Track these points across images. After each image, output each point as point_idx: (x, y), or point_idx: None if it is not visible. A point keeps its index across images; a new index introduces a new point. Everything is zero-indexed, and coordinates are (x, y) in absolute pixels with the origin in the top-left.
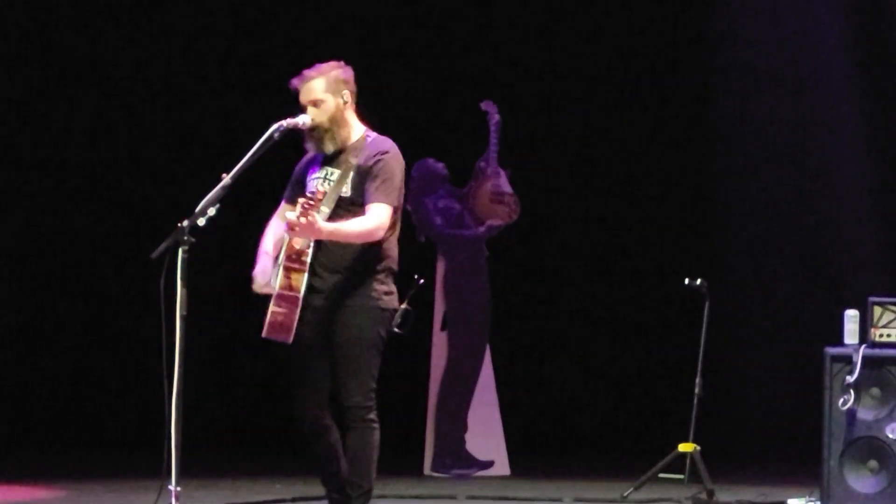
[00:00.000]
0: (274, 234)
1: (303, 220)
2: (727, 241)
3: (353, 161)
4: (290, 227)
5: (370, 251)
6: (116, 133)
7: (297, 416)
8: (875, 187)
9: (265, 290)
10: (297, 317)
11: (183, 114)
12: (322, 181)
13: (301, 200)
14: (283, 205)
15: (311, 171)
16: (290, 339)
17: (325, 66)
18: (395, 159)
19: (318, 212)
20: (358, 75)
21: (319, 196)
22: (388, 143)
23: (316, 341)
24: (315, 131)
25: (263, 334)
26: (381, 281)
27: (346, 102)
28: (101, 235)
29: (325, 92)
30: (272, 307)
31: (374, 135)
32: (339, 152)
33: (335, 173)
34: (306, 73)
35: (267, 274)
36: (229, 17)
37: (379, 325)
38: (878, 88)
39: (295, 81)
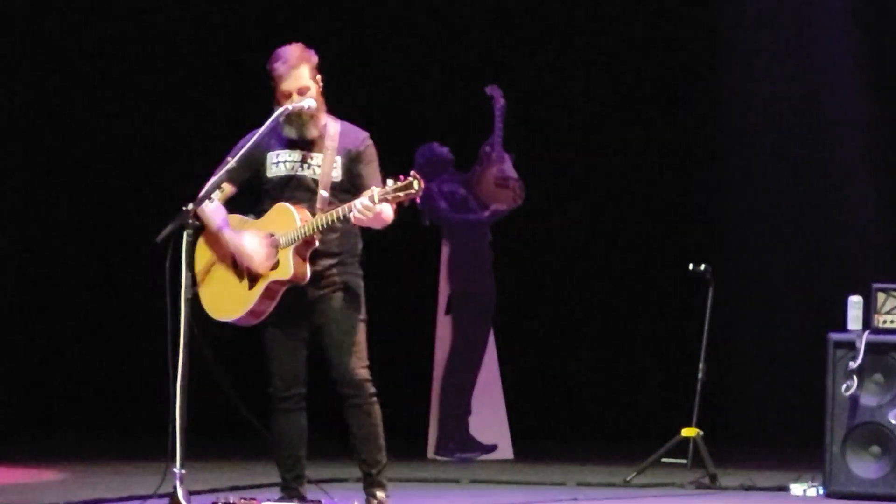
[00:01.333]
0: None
1: (369, 213)
2: (731, 227)
3: (332, 144)
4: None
5: (352, 235)
6: (122, 117)
7: (280, 395)
8: (879, 173)
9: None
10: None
11: (189, 96)
12: (299, 165)
13: (367, 205)
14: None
15: (273, 150)
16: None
17: (301, 52)
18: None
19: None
20: (364, 59)
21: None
22: (357, 126)
23: (299, 324)
24: (300, 117)
25: (240, 321)
26: (360, 262)
27: (320, 87)
28: (107, 218)
29: (310, 79)
30: (268, 290)
31: (331, 117)
32: (315, 137)
33: (316, 157)
34: (290, 59)
35: (264, 255)
36: None
37: (363, 303)
38: (884, 76)
39: (281, 68)
